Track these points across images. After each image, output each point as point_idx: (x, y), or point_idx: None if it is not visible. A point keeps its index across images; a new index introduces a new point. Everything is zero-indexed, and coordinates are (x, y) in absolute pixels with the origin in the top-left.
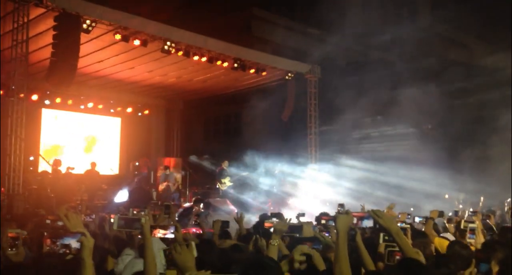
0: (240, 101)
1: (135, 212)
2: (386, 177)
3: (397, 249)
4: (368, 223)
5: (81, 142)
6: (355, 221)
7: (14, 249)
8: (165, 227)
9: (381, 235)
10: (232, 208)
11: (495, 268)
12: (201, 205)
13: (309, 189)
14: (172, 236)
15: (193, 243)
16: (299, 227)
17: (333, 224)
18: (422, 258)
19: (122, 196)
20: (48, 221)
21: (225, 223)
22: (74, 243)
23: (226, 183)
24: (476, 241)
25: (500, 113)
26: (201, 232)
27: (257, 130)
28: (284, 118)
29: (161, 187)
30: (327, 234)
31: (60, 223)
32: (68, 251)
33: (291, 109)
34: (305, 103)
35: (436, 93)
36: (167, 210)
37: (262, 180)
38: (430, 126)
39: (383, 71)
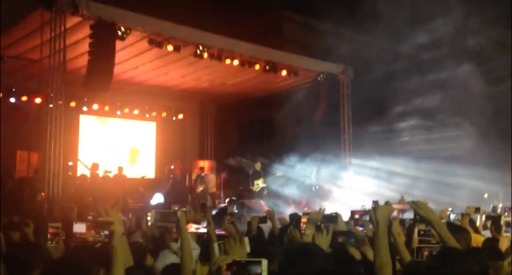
0: (273, 104)
1: (176, 208)
2: (425, 175)
3: (428, 245)
4: (409, 215)
5: (121, 149)
6: (395, 213)
7: (54, 242)
8: (198, 222)
9: (416, 229)
10: (266, 209)
11: None
12: (235, 206)
13: (343, 191)
14: (204, 230)
15: (246, 239)
16: (334, 216)
17: (367, 219)
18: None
19: (158, 198)
20: (90, 217)
21: (263, 219)
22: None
23: (260, 184)
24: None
25: None
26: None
27: (290, 132)
28: (316, 120)
29: (200, 188)
30: (361, 228)
31: (101, 219)
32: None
33: (324, 111)
34: (338, 104)
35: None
36: (203, 208)
37: (296, 181)
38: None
39: (416, 73)
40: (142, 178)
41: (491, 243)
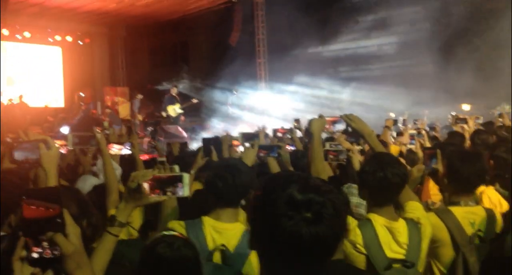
0: (187, 28)
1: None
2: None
3: (334, 148)
4: (340, 127)
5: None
6: (327, 125)
7: None
8: (120, 143)
9: (327, 143)
10: (185, 134)
11: (442, 163)
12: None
13: (261, 112)
14: (128, 152)
15: (176, 166)
16: (255, 133)
17: (289, 137)
18: None
19: (65, 130)
20: (8, 139)
21: (184, 144)
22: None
23: (176, 110)
24: (417, 146)
25: None
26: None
27: (204, 57)
28: (231, 42)
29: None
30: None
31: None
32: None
33: (238, 33)
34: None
35: None
36: (130, 131)
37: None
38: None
39: None
40: (46, 107)
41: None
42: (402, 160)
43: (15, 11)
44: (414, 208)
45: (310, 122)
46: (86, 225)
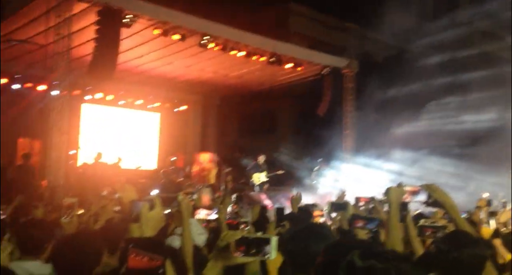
0: (276, 97)
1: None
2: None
3: (432, 225)
4: (421, 198)
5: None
6: (406, 195)
7: (68, 218)
8: (209, 208)
9: (422, 221)
10: (268, 202)
11: None
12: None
13: (347, 185)
14: (215, 216)
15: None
16: (343, 204)
17: (371, 206)
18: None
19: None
20: (104, 193)
21: (264, 208)
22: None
23: (261, 178)
24: None
25: None
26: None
27: (292, 126)
28: (320, 112)
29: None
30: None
31: (116, 196)
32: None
33: (327, 104)
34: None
35: None
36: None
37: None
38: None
39: (421, 66)
40: (137, 169)
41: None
42: (498, 241)
43: (121, 79)
44: None
45: (388, 191)
46: None
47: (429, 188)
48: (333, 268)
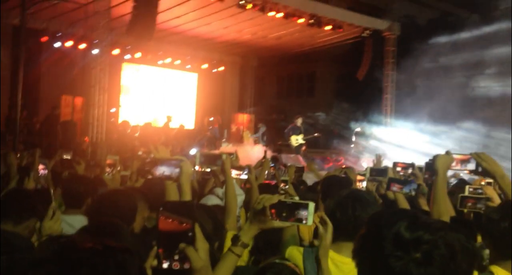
0: (315, 60)
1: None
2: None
3: (474, 195)
4: (470, 166)
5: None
6: (454, 163)
7: (110, 174)
8: (239, 168)
9: (467, 187)
10: (304, 164)
11: None
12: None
13: (385, 150)
14: (245, 177)
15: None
16: (383, 169)
17: (410, 172)
18: None
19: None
20: (140, 152)
21: (300, 169)
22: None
23: (299, 140)
24: None
25: None
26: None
27: (330, 89)
28: (359, 77)
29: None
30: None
31: (151, 156)
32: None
33: (367, 68)
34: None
35: None
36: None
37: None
38: None
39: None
40: (181, 127)
41: None
42: None
43: (160, 39)
44: None
45: (435, 158)
46: (218, 247)
47: (479, 157)
48: (378, 239)
